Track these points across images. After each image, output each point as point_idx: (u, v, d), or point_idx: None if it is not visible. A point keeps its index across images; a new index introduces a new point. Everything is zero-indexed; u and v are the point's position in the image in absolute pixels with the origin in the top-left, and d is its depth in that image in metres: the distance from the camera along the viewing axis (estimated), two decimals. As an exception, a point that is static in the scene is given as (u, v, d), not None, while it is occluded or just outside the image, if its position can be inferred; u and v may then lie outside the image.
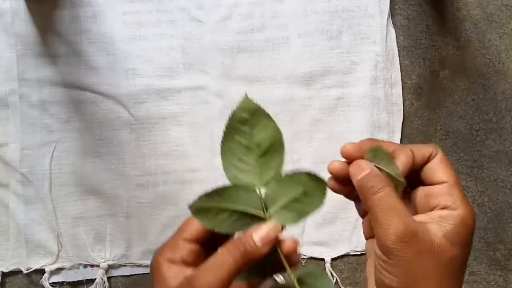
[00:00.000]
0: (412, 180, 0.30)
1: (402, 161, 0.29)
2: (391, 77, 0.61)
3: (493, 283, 0.60)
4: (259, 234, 0.26)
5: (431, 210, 0.29)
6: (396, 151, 0.30)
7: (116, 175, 0.59)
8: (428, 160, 0.30)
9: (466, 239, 0.27)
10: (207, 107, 0.60)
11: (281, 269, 0.27)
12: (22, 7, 0.59)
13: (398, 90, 0.61)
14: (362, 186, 0.28)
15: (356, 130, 0.60)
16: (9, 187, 0.58)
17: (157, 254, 0.29)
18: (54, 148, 0.59)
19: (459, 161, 0.61)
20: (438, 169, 0.29)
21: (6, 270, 0.57)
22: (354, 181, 0.29)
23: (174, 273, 0.27)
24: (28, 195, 0.58)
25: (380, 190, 0.28)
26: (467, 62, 0.62)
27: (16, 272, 0.58)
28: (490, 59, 0.62)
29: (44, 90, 0.59)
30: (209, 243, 0.29)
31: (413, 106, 0.62)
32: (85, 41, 0.59)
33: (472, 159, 0.61)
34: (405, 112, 0.61)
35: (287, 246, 0.27)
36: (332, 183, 0.30)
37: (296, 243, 0.27)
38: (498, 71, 0.62)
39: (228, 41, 0.60)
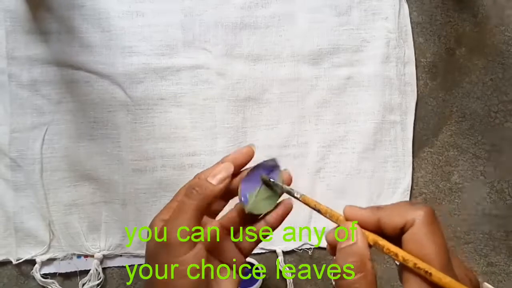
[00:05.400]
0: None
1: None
2: (404, 55, 0.59)
3: (513, 274, 0.57)
4: (215, 175, 0.30)
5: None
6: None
7: (112, 159, 0.56)
8: (404, 228, 0.26)
9: None
10: (208, 87, 0.57)
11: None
12: (11, -20, 0.56)
13: (411, 69, 0.59)
14: (337, 260, 0.26)
15: (366, 111, 0.58)
16: (-3, 172, 0.56)
17: (156, 217, 0.31)
18: (46, 131, 0.56)
19: (477, 144, 0.59)
20: (421, 240, 0.25)
21: (-6, 261, 0.55)
22: (337, 247, 0.27)
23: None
24: (18, 181, 0.56)
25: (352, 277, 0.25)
26: (485, 39, 0.60)
27: (5, 263, 0.56)
28: (509, 36, 0.60)
29: (34, 69, 0.56)
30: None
31: (428, 86, 0.59)
32: (79, 16, 0.57)
33: (490, 142, 0.59)
34: (419, 92, 0.59)
35: (235, 181, 0.32)
36: (329, 248, 0.29)
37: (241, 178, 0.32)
38: (518, 49, 0.60)
39: (231, 16, 0.57)
